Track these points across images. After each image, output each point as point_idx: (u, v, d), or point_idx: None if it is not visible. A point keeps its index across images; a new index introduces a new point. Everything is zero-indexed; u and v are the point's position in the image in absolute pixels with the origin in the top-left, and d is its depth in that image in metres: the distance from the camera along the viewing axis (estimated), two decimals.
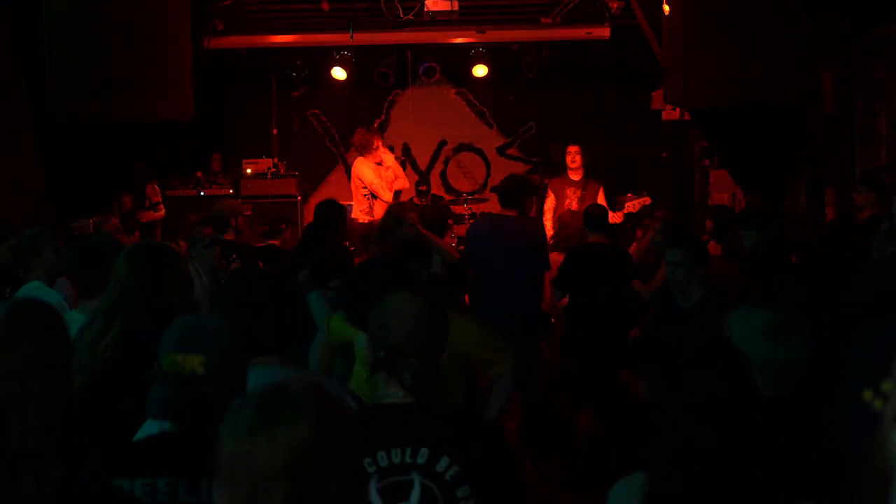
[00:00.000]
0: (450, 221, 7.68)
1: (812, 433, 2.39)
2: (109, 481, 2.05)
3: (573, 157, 9.34)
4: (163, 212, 10.86)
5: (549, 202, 9.32)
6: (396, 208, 6.35)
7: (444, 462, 2.22)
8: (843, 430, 1.46)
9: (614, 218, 8.98)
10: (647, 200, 9.42)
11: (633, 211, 9.31)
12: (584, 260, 6.47)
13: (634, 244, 7.99)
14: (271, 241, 7.44)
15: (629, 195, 9.50)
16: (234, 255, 6.47)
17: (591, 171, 9.51)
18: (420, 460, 2.22)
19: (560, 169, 9.84)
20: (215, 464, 1.55)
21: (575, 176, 9.31)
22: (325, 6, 9.55)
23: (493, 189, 6.98)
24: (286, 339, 2.74)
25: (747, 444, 1.97)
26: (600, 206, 7.43)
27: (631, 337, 6.12)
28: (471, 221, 10.60)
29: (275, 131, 13.08)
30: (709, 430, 1.97)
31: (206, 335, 2.21)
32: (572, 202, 8.97)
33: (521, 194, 6.56)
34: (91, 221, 7.67)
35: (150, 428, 2.25)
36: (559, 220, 8.29)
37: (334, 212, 6.40)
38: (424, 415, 2.31)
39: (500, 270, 6.30)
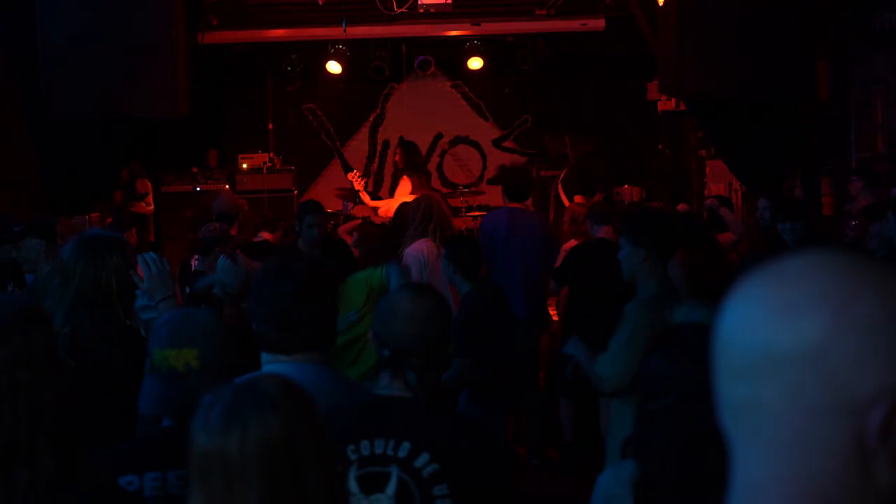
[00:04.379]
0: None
1: None
2: (104, 474, 2.06)
3: None
4: (152, 206, 10.79)
5: None
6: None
7: (423, 458, 2.22)
8: None
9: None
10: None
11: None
12: (589, 256, 6.37)
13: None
14: (265, 235, 7.41)
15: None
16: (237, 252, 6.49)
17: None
18: (401, 454, 2.22)
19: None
20: (188, 462, 1.55)
21: None
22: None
23: (492, 181, 6.99)
24: (328, 333, 2.59)
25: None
26: (602, 201, 7.44)
27: None
28: (468, 214, 10.66)
29: (270, 126, 13.08)
30: (708, 418, 1.96)
31: (198, 329, 2.20)
32: None
33: (528, 187, 6.74)
34: (87, 217, 7.66)
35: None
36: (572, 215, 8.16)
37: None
38: (416, 410, 2.31)
39: (515, 262, 6.39)
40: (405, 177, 9.72)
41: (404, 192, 9.56)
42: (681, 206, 8.45)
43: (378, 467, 2.21)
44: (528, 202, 6.91)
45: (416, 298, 2.37)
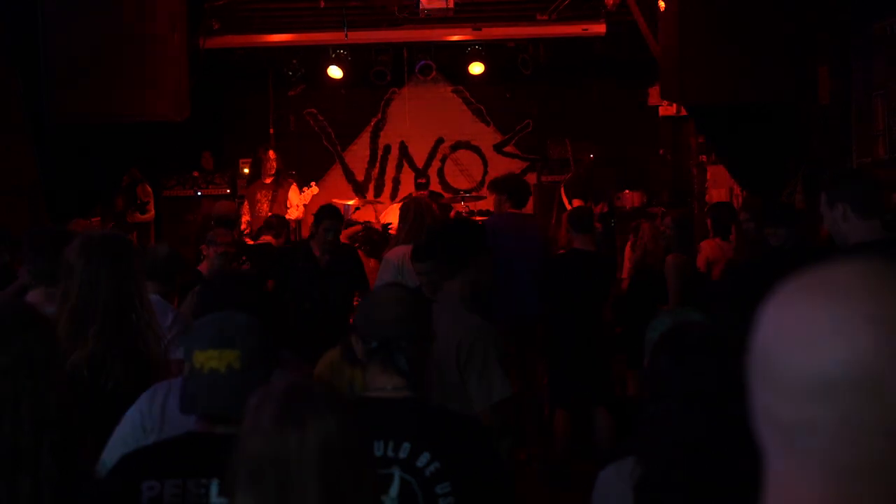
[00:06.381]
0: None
1: None
2: (105, 480, 2.05)
3: None
4: (152, 213, 10.81)
5: None
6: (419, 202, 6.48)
7: (424, 457, 2.22)
8: None
9: None
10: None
11: None
12: (567, 266, 6.32)
13: (628, 244, 7.86)
14: (266, 238, 7.44)
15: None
16: (244, 258, 6.57)
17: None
18: (402, 455, 2.23)
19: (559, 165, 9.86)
20: (235, 466, 1.52)
21: None
22: (322, 3, 9.55)
23: (494, 187, 7.01)
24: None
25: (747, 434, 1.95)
26: (586, 207, 7.46)
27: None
28: (476, 220, 10.64)
29: (271, 130, 13.07)
30: (710, 419, 1.95)
31: (239, 331, 2.14)
32: None
33: (527, 194, 6.91)
34: (88, 224, 7.66)
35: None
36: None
37: None
38: (412, 409, 2.31)
39: (517, 267, 6.38)
40: (292, 181, 10.22)
41: (297, 193, 10.04)
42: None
43: (380, 469, 2.20)
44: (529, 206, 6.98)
45: (395, 289, 2.47)
